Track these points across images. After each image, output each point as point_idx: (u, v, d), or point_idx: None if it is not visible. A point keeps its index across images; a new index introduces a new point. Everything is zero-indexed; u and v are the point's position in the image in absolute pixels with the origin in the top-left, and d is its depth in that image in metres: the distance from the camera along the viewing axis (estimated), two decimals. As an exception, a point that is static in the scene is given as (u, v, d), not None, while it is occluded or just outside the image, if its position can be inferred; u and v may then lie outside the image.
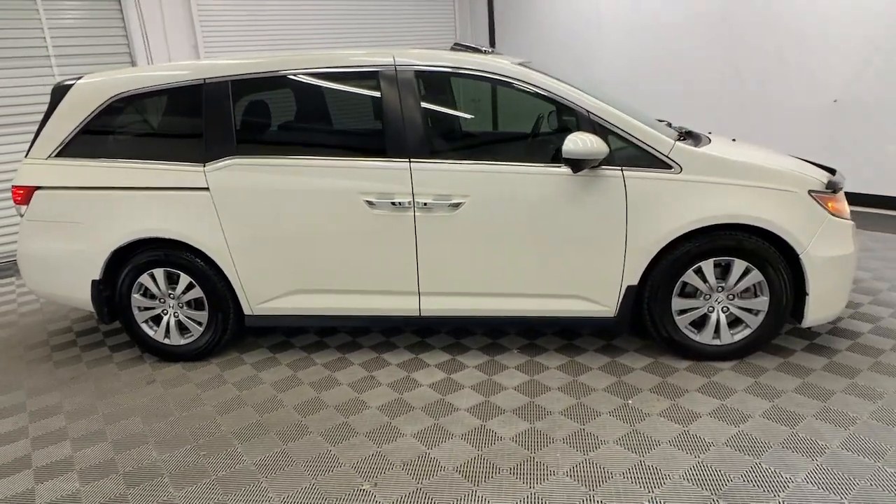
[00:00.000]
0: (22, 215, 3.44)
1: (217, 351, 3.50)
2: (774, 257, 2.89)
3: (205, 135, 3.21)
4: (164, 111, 3.30)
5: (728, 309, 3.04)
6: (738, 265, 2.94)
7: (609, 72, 7.42)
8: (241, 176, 3.15)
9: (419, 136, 3.04)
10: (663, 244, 2.93)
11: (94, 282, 3.39)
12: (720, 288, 3.00)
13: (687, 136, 3.38)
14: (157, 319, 3.46)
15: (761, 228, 2.89)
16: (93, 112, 3.33)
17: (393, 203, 3.04)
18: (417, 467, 2.42)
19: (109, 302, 3.46)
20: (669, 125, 3.76)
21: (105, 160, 3.31)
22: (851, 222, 3.02)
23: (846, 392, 2.75)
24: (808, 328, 3.37)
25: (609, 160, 2.92)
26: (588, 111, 2.95)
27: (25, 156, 3.45)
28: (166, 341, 3.46)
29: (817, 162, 3.50)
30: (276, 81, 3.18)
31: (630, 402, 2.79)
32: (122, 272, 3.36)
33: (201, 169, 3.19)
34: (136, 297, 3.40)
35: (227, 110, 3.19)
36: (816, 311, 2.97)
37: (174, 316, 3.42)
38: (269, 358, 3.46)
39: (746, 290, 3.02)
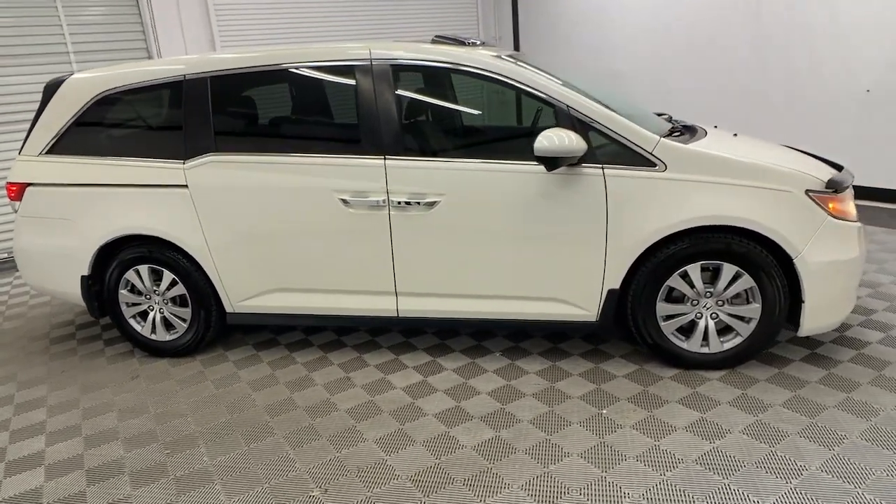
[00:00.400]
0: (16, 211, 3.53)
1: (202, 347, 3.52)
2: (767, 262, 2.71)
3: (185, 132, 3.21)
4: (147, 108, 3.32)
5: (717, 316, 2.87)
6: (728, 270, 2.77)
7: (634, 67, 7.15)
8: (219, 173, 3.14)
9: (395, 133, 2.96)
10: (645, 246, 2.78)
11: (83, 277, 3.45)
12: (708, 293, 2.83)
13: (684, 130, 3.21)
14: (144, 315, 3.50)
15: (752, 231, 2.71)
16: (81, 109, 3.38)
17: (368, 202, 2.97)
18: (372, 475, 2.37)
19: (99, 297, 3.52)
20: (670, 119, 3.58)
21: (92, 157, 3.35)
22: (857, 224, 2.80)
23: (839, 408, 2.56)
24: (809, 337, 3.16)
25: (589, 158, 2.78)
26: (568, 106, 2.81)
27: (19, 152, 3.53)
28: (153, 337, 3.50)
29: (827, 158, 3.27)
30: (253, 77, 3.15)
31: (604, 411, 2.66)
32: (110, 268, 3.41)
33: (181, 166, 3.20)
34: (123, 293, 3.45)
35: (205, 107, 3.18)
36: (814, 320, 2.77)
37: (160, 312, 3.46)
38: (251, 356, 3.46)
39: (737, 296, 2.84)
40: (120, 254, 3.38)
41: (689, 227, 2.70)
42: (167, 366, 3.42)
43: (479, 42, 3.47)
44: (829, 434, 2.40)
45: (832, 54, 5.45)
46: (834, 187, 2.72)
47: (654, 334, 2.92)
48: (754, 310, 2.80)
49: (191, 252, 3.25)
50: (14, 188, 3.49)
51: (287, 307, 3.27)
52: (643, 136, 2.77)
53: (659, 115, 3.69)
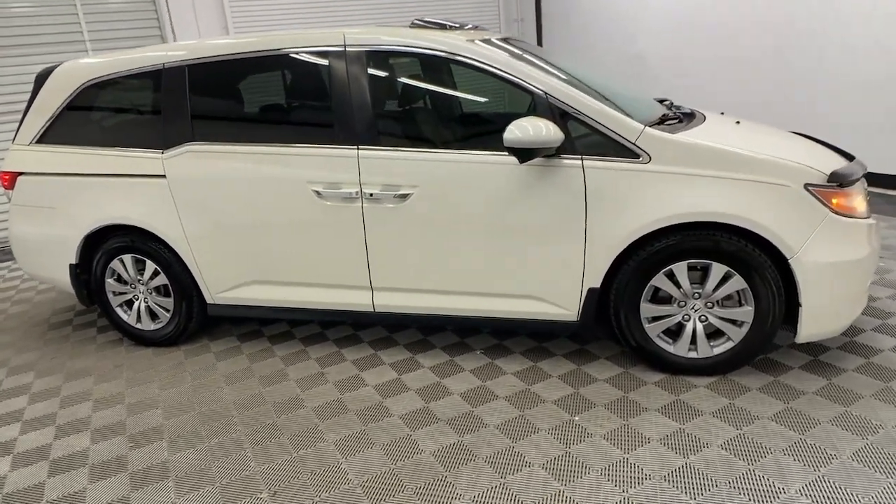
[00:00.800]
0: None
1: (187, 337, 3.52)
2: (760, 262, 2.49)
3: (163, 121, 3.17)
4: (131, 97, 3.29)
5: (706, 318, 2.67)
6: (717, 269, 2.56)
7: (656, 49, 6.81)
8: (195, 163, 3.10)
9: (368, 122, 2.85)
10: (627, 244, 2.59)
11: (71, 266, 3.48)
12: (697, 294, 2.64)
13: (682, 117, 2.99)
14: (130, 304, 3.52)
15: (743, 228, 2.49)
16: (68, 98, 3.38)
17: (341, 193, 2.87)
18: (324, 478, 2.29)
19: (88, 285, 3.55)
20: (670, 105, 3.35)
21: (79, 146, 3.35)
22: (867, 221, 2.55)
23: (834, 423, 2.34)
24: (813, 343, 2.92)
25: (568, 148, 2.61)
26: (546, 93, 2.64)
27: (12, 141, 3.57)
28: (138, 326, 3.51)
29: (839, 148, 3.00)
30: (228, 66, 3.07)
31: (577, 418, 2.52)
32: (96, 257, 3.43)
33: (160, 156, 3.16)
34: (110, 282, 3.47)
35: (183, 96, 3.13)
36: (813, 326, 2.54)
37: (144, 301, 3.46)
38: (233, 347, 3.43)
39: (729, 297, 2.63)
40: (105, 243, 3.39)
41: (673, 223, 2.51)
42: (151, 355, 3.43)
43: (467, 26, 3.31)
44: (817, 453, 2.19)
45: (864, 34, 5.03)
46: (838, 181, 2.47)
47: (639, 336, 2.74)
48: (746, 313, 2.59)
49: (170, 243, 3.23)
50: (7, 177, 3.53)
51: (264, 300, 3.22)
52: (626, 125, 2.57)
53: (661, 101, 3.47)
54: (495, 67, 2.70)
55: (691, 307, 2.66)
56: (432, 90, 3.01)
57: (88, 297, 3.57)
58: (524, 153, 2.52)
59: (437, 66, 2.88)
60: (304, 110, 3.00)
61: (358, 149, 2.85)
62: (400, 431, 2.53)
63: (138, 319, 3.49)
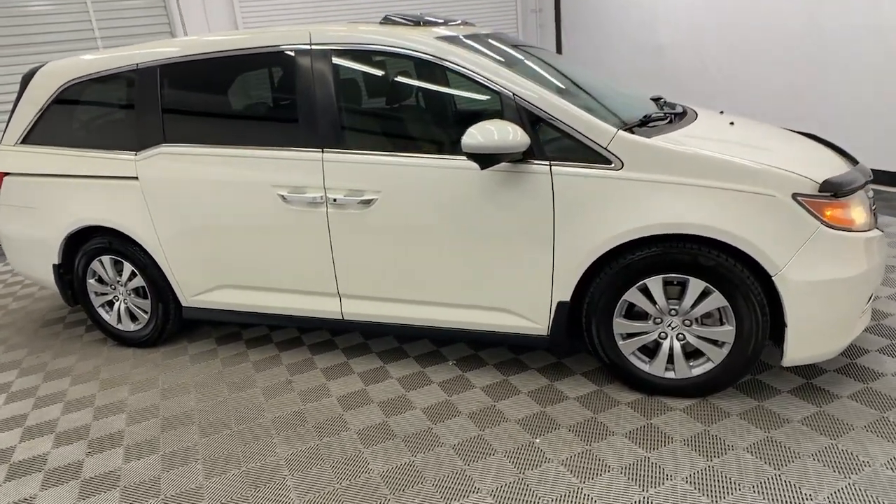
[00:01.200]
0: (-2, 199, 3.61)
1: (167, 339, 3.50)
2: (741, 278, 2.29)
3: (136, 123, 3.13)
4: (107, 98, 3.26)
5: (684, 337, 2.48)
6: (695, 285, 2.37)
7: (675, 41, 6.49)
8: (166, 166, 3.05)
9: (332, 124, 2.74)
10: (597, 256, 2.42)
11: (54, 266, 3.51)
12: (673, 311, 2.45)
13: (673, 117, 2.79)
14: (111, 305, 3.52)
15: (722, 241, 2.29)
16: (49, 99, 3.38)
17: (305, 198, 2.78)
18: (268, 495, 2.21)
19: (72, 285, 3.56)
20: (663, 104, 3.14)
21: (59, 147, 3.36)
22: (867, 234, 2.32)
23: (816, 457, 2.14)
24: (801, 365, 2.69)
25: (537, 153, 2.45)
26: (514, 94, 2.48)
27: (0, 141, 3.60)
28: (119, 327, 3.51)
29: (847, 152, 2.75)
30: (196, 67, 3.01)
31: (538, 440, 2.37)
32: (77, 258, 3.43)
33: (133, 158, 3.13)
34: (91, 283, 3.47)
35: (155, 97, 3.09)
36: (800, 349, 2.33)
37: (124, 303, 3.46)
38: (209, 350, 3.40)
39: (709, 315, 2.44)
40: (85, 244, 3.39)
41: (645, 235, 2.32)
42: (131, 356, 3.42)
43: (455, 21, 3.18)
44: (791, 493, 2.00)
45: (906, 21, 4.66)
46: (832, 190, 2.25)
47: (612, 353, 2.57)
48: (727, 333, 2.39)
49: (144, 245, 3.20)
50: (-5, 177, 3.57)
51: (236, 304, 3.16)
52: (597, 129, 2.40)
53: (655, 99, 3.26)
54: (460, 66, 2.55)
55: (668, 324, 2.48)
56: (399, 90, 2.88)
57: (73, 297, 3.59)
58: (485, 159, 2.37)
59: (404, 66, 2.75)
60: (270, 111, 2.92)
61: (322, 152, 2.75)
62: (353, 448, 2.44)
63: (119, 320, 3.49)
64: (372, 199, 2.68)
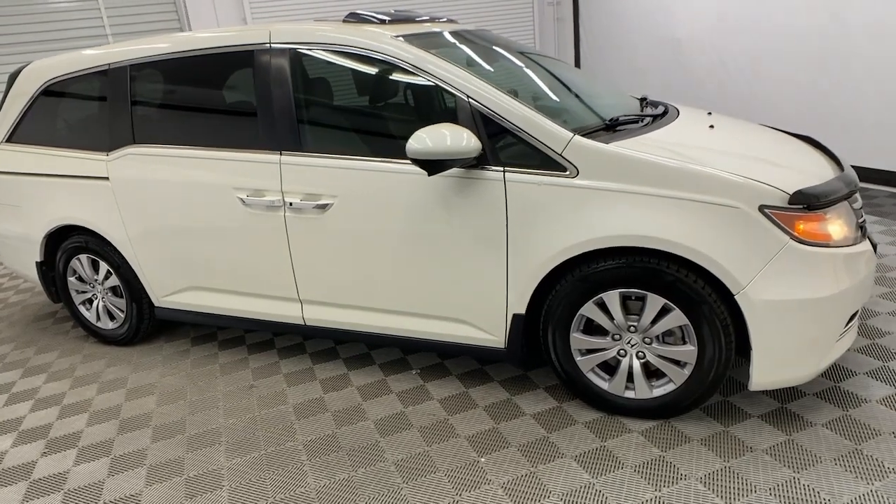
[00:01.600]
0: (-13, 197, 3.68)
1: (144, 337, 3.52)
2: (702, 295, 2.13)
3: (108, 123, 3.14)
4: (84, 98, 3.28)
5: (644, 355, 2.33)
6: (653, 301, 2.22)
7: (692, 34, 6.22)
8: (134, 166, 3.04)
9: (290, 126, 2.68)
10: (550, 268, 2.30)
11: (37, 263, 3.56)
12: (632, 328, 2.31)
13: (650, 119, 2.63)
14: (91, 302, 3.55)
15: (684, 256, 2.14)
16: (31, 98, 3.42)
17: (264, 202, 2.73)
18: (198, 508, 2.18)
19: (55, 283, 3.61)
20: (646, 104, 2.98)
21: (39, 146, 3.39)
22: (845, 250, 2.13)
23: (774, 492, 1.98)
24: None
25: (491, 158, 2.33)
26: (468, 97, 2.36)
27: (-10, 140, 3.66)
28: (98, 324, 3.54)
29: (839, 158, 2.54)
30: (163, 66, 2.98)
31: (483, 460, 2.27)
32: (58, 256, 3.47)
33: (105, 158, 3.14)
34: (72, 281, 3.51)
35: (125, 97, 3.08)
36: (767, 373, 2.16)
37: (102, 301, 3.48)
38: (182, 351, 3.40)
39: (670, 333, 2.29)
40: (64, 243, 3.43)
41: (598, 247, 2.19)
42: (108, 354, 3.45)
43: (441, 18, 3.07)
44: (737, 530, 1.85)
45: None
46: (804, 202, 2.07)
47: (570, 369, 2.44)
48: (689, 353, 2.24)
49: (116, 245, 3.21)
50: (-20, 175, 3.64)
51: (204, 307, 3.14)
52: (552, 134, 2.26)
53: (641, 99, 3.10)
54: (414, 66, 2.45)
55: (627, 342, 2.34)
56: (355, 92, 2.80)
57: (56, 294, 3.64)
58: (432, 165, 2.26)
59: (360, 66, 2.66)
60: (231, 112, 2.87)
61: (280, 154, 2.69)
62: (296, 460, 2.38)
63: (98, 318, 3.52)
64: (328, 204, 2.61)
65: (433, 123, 2.32)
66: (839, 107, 5.06)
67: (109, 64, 3.12)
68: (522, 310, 2.42)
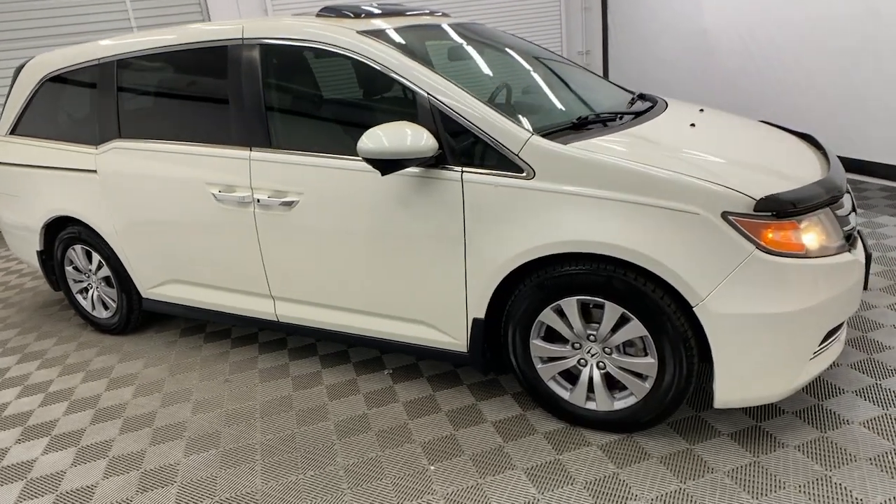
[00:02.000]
0: (-6, 188, 3.82)
1: (138, 327, 3.59)
2: (660, 306, 2.01)
3: (97, 117, 3.19)
4: (78, 91, 3.34)
5: (605, 366, 2.22)
6: (611, 310, 2.11)
7: (719, 24, 5.92)
8: (119, 160, 3.09)
9: (260, 122, 2.66)
10: (506, 272, 2.21)
11: (38, 252, 3.68)
12: (591, 337, 2.20)
13: (634, 116, 2.51)
14: (87, 292, 3.65)
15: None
16: (31, 91, 3.52)
17: (235, 197, 2.72)
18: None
19: (55, 271, 3.73)
20: (635, 100, 2.84)
21: (38, 139, 3.49)
22: (821, 261, 1.97)
23: (725, 519, 1.86)
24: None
25: (450, 158, 2.26)
26: (428, 94, 2.29)
27: (-3, 133, 3.80)
28: (94, 313, 3.64)
29: (830, 158, 2.36)
30: (144, 61, 3.01)
31: (433, 468, 2.21)
32: (55, 245, 3.58)
33: (94, 152, 3.20)
34: (69, 270, 3.61)
35: (112, 92, 3.13)
36: (731, 390, 2.02)
37: (96, 291, 3.57)
38: (170, 342, 3.45)
39: (632, 344, 2.17)
40: (60, 233, 3.52)
41: (551, 252, 2.09)
42: (101, 342, 3.54)
43: (423, 11, 3.01)
44: (677, 558, 1.74)
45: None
46: (773, 209, 1.92)
47: (532, 377, 2.36)
48: (649, 366, 2.12)
49: (104, 237, 3.28)
50: (-10, 166, 3.77)
51: (187, 300, 3.18)
52: (509, 134, 2.17)
53: (633, 95, 2.96)
54: (377, 62, 2.39)
55: (588, 351, 2.23)
56: (321, 88, 2.75)
57: (56, 282, 3.76)
58: (386, 164, 2.20)
59: (327, 62, 2.61)
60: (206, 108, 2.86)
61: (250, 150, 2.68)
62: (250, 458, 2.38)
63: (93, 307, 3.62)
64: (294, 202, 2.58)
65: (395, 120, 2.26)
66: (870, 99, 4.73)
67: (99, 59, 3.17)
68: (482, 314, 2.34)
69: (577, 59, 7.92)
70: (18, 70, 3.63)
